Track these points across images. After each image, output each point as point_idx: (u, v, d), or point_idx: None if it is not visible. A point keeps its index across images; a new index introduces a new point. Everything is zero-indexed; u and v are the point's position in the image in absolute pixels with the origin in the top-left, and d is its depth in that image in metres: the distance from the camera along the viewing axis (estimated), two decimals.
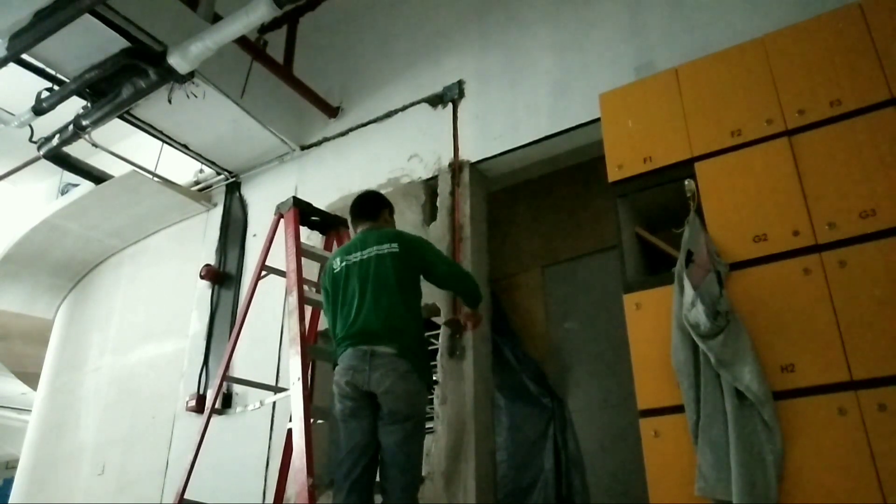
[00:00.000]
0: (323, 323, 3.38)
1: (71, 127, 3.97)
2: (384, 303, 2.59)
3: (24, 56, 3.66)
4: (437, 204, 3.61)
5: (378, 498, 2.53)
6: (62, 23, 3.21)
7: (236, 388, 3.91)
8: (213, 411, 3.21)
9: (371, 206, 2.98)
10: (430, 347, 4.17)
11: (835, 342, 2.04)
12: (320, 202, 3.90)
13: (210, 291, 4.46)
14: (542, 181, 4.39)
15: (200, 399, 4.05)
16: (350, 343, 2.57)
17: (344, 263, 2.74)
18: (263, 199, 4.48)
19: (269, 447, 3.62)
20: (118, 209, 4.93)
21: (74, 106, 3.89)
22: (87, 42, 3.49)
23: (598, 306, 4.06)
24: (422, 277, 2.79)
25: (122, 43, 3.50)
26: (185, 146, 4.43)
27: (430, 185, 3.72)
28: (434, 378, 3.22)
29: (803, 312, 2.12)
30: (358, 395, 2.51)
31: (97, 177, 4.80)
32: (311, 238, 3.71)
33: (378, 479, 2.53)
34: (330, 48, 4.77)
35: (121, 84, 3.65)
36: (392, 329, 2.55)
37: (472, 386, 3.07)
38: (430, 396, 2.66)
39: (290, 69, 4.35)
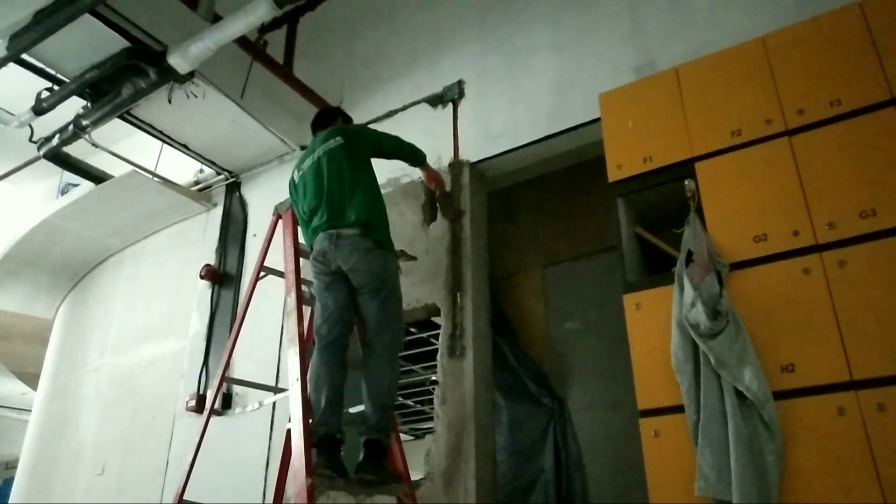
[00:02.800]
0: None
1: (71, 127, 3.97)
2: (342, 190, 2.78)
3: (24, 56, 3.65)
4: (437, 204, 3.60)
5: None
6: (62, 23, 3.21)
7: (236, 388, 3.91)
8: (213, 412, 3.20)
9: (325, 118, 3.21)
10: (430, 347, 4.20)
11: (835, 342, 2.04)
12: None
13: (210, 291, 4.46)
14: (542, 181, 4.39)
15: (200, 399, 4.05)
16: (320, 229, 2.76)
17: (300, 172, 2.96)
18: (263, 199, 4.48)
19: (269, 447, 3.62)
20: (118, 209, 4.93)
21: (74, 106, 3.89)
22: (87, 42, 3.49)
23: (598, 306, 4.06)
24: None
25: (122, 43, 3.50)
26: (185, 146, 4.43)
27: None
28: (434, 378, 3.23)
29: (803, 312, 2.12)
30: (329, 271, 2.70)
31: (97, 177, 4.80)
32: None
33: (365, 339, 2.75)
34: (330, 48, 4.77)
35: (121, 84, 3.65)
36: (352, 210, 2.73)
37: (472, 386, 3.07)
38: (397, 261, 2.87)
39: (290, 69, 4.35)
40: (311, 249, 2.84)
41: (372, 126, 4.16)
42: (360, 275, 2.68)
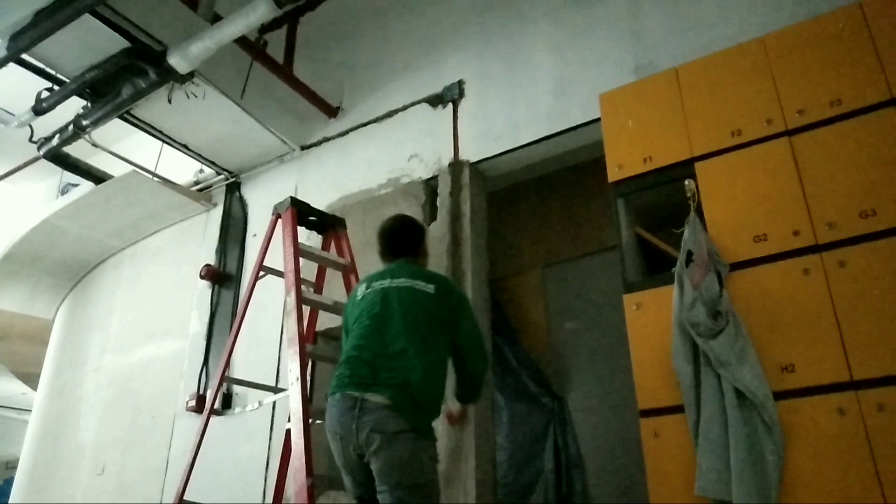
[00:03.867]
0: (322, 323, 3.38)
1: (71, 127, 3.97)
2: (398, 342, 2.21)
3: (24, 56, 3.65)
4: (437, 204, 3.60)
5: None
6: (62, 23, 3.21)
7: (236, 388, 3.91)
8: (213, 412, 3.21)
9: (410, 239, 2.60)
10: None
11: (835, 342, 2.04)
12: (320, 202, 3.90)
13: (210, 291, 4.46)
14: (542, 181, 4.40)
15: (200, 399, 4.05)
16: (342, 383, 2.19)
17: (369, 290, 2.41)
18: (263, 199, 4.48)
19: (269, 447, 3.62)
20: (118, 209, 4.93)
21: (74, 106, 3.89)
22: (87, 42, 3.49)
23: (598, 306, 4.06)
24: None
25: (122, 43, 3.50)
26: (185, 146, 4.43)
27: (431, 185, 3.72)
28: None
29: (803, 312, 2.12)
30: (353, 455, 2.14)
31: (97, 177, 4.80)
32: (311, 238, 3.71)
33: None
34: (330, 48, 4.77)
35: (121, 84, 3.65)
36: (394, 372, 2.15)
37: None
38: (435, 451, 2.21)
39: (290, 69, 4.35)
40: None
41: (372, 126, 4.19)
42: (378, 462, 2.07)
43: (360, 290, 2.46)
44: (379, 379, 2.14)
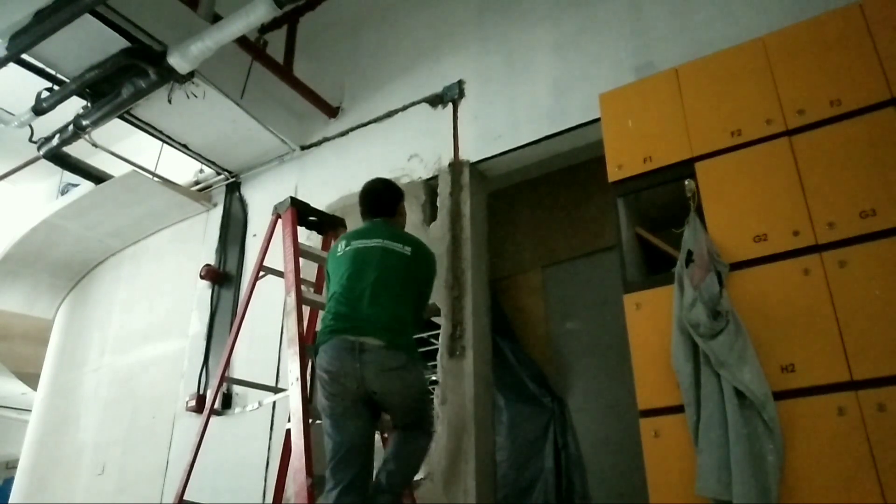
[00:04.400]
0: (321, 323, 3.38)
1: (71, 127, 3.97)
2: (384, 295, 2.49)
3: (24, 56, 3.65)
4: (437, 204, 3.61)
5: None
6: (62, 23, 3.21)
7: (237, 388, 3.91)
8: (213, 412, 3.21)
9: (387, 201, 2.85)
10: (430, 347, 4.20)
11: (835, 342, 2.04)
12: (320, 202, 3.90)
13: (210, 291, 4.46)
14: (542, 181, 4.40)
15: (200, 399, 4.05)
16: (337, 329, 2.42)
17: (349, 247, 2.65)
18: (263, 199, 4.48)
19: (269, 447, 3.62)
20: (118, 209, 4.93)
21: (74, 106, 3.89)
22: (87, 42, 3.49)
23: (598, 306, 4.06)
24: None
25: (122, 43, 3.50)
26: (185, 146, 4.43)
27: (431, 185, 3.72)
28: (434, 378, 3.22)
29: (803, 312, 2.12)
30: (347, 395, 2.36)
31: (97, 177, 4.80)
32: (311, 238, 3.71)
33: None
34: (330, 48, 4.77)
35: (121, 84, 3.65)
36: (385, 318, 2.44)
37: (472, 386, 3.07)
38: (428, 385, 2.61)
39: (290, 69, 4.35)
40: (324, 332, 2.49)
41: (372, 126, 4.19)
42: (389, 397, 2.40)
43: (341, 247, 2.69)
44: (370, 327, 2.40)
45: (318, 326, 3.22)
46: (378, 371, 2.35)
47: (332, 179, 4.18)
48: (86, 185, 4.92)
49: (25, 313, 6.16)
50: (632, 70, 3.26)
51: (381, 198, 2.86)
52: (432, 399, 2.61)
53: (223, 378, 3.20)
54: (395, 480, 2.42)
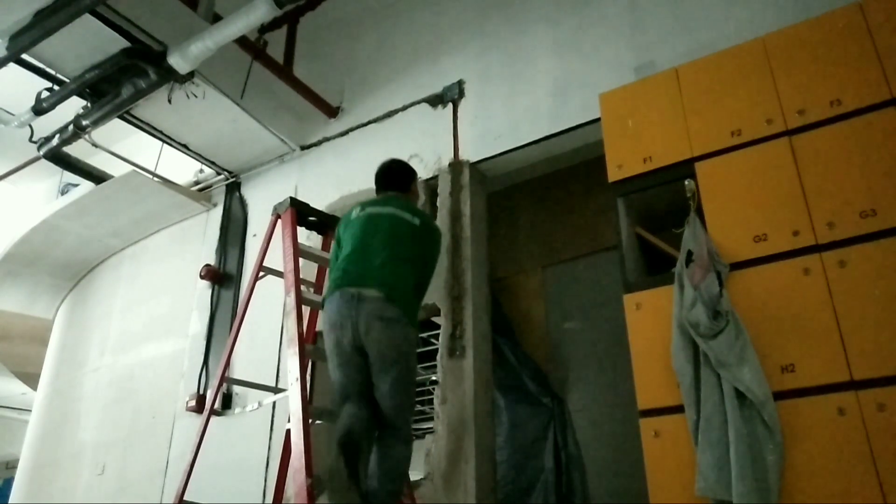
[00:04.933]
0: (321, 324, 3.38)
1: (71, 127, 3.97)
2: (389, 257, 2.61)
3: (24, 56, 3.65)
4: (437, 204, 3.61)
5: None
6: (62, 23, 3.21)
7: (237, 388, 3.90)
8: (213, 412, 3.20)
9: (401, 177, 3.01)
10: (430, 347, 4.20)
11: (835, 342, 2.04)
12: (320, 202, 3.90)
13: (210, 291, 4.46)
14: (542, 181, 4.40)
15: (200, 399, 4.05)
16: (339, 283, 2.56)
17: (363, 212, 2.80)
18: (263, 199, 4.48)
19: (269, 447, 3.62)
20: (118, 209, 4.93)
21: (74, 106, 3.89)
22: (87, 42, 3.49)
23: (598, 306, 4.06)
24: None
25: (122, 43, 3.50)
26: (185, 146, 4.43)
27: (431, 185, 3.72)
28: (434, 378, 3.22)
29: (803, 312, 2.12)
30: (346, 345, 2.49)
31: (97, 177, 4.80)
32: (311, 239, 3.71)
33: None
34: (330, 48, 4.77)
35: (121, 84, 3.65)
36: (385, 275, 2.55)
37: (472, 386, 3.07)
38: (418, 336, 2.71)
39: (290, 69, 4.35)
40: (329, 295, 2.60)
41: (372, 126, 4.19)
42: (377, 346, 2.47)
43: (355, 213, 2.84)
44: (371, 280, 2.53)
45: (319, 327, 3.26)
46: (370, 318, 2.45)
47: (332, 179, 4.18)
48: (86, 185, 4.92)
49: (25, 313, 6.16)
50: (632, 70, 3.25)
51: (395, 173, 3.02)
52: (415, 403, 2.69)
53: (223, 378, 3.20)
54: (382, 497, 2.42)
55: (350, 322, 2.47)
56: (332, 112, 4.43)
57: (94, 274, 5.63)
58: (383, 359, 2.47)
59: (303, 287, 3.07)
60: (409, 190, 3.03)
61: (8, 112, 4.10)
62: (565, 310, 4.28)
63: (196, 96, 3.92)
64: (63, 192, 6.28)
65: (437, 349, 3.28)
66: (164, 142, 4.44)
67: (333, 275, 2.67)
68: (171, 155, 4.99)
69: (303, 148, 4.49)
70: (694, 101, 2.61)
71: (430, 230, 2.86)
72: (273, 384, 3.63)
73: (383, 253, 2.61)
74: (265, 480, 3.54)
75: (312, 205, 3.49)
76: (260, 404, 3.29)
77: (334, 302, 2.54)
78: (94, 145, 4.28)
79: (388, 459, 2.47)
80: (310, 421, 2.57)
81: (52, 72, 3.80)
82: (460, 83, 3.91)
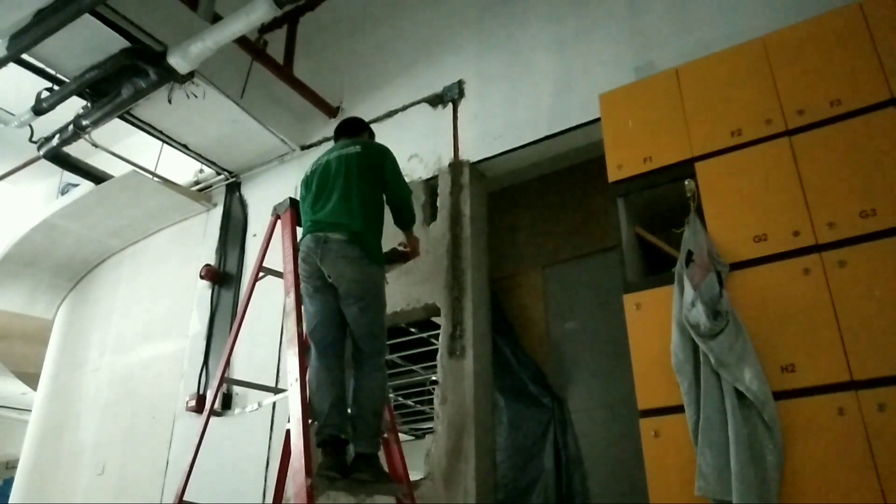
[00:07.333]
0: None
1: (71, 127, 3.97)
2: (343, 195, 2.80)
3: (24, 56, 3.66)
4: (437, 204, 3.61)
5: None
6: (62, 23, 3.21)
7: (237, 388, 3.91)
8: (213, 412, 3.20)
9: (353, 126, 3.22)
10: (430, 347, 4.20)
11: (835, 342, 2.04)
12: None
13: (210, 291, 4.46)
14: (542, 181, 4.39)
15: (200, 399, 4.05)
16: (309, 229, 2.80)
17: (313, 168, 3.01)
18: (263, 199, 4.48)
19: (269, 448, 3.62)
20: (118, 209, 4.94)
21: (74, 106, 3.89)
22: (87, 42, 3.49)
23: (598, 306, 4.05)
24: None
25: (122, 43, 3.51)
26: (185, 146, 4.44)
27: (431, 185, 3.72)
28: (434, 378, 3.22)
29: (803, 312, 2.12)
30: (317, 276, 2.71)
31: (97, 177, 4.81)
32: None
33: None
34: (330, 48, 4.77)
35: (121, 84, 3.65)
36: (346, 217, 2.74)
37: (472, 386, 3.07)
38: (384, 274, 2.85)
39: (290, 69, 4.35)
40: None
41: (372, 126, 4.17)
42: (344, 282, 2.66)
43: (309, 171, 3.05)
44: (331, 226, 2.74)
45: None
46: (335, 257, 2.68)
47: None
48: (86, 185, 4.92)
49: (25, 313, 6.16)
50: (632, 70, 3.25)
51: (347, 124, 3.24)
52: (385, 329, 2.80)
53: (223, 378, 3.19)
54: (363, 427, 2.60)
55: (317, 259, 2.69)
56: (332, 112, 4.44)
57: (94, 274, 5.64)
58: (349, 294, 2.67)
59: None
60: (358, 135, 3.18)
61: (8, 112, 4.10)
62: (565, 310, 4.27)
63: (196, 96, 3.92)
64: (63, 192, 6.28)
65: (437, 349, 3.28)
66: (164, 142, 4.44)
67: (305, 223, 2.90)
68: (171, 155, 4.99)
69: (303, 148, 4.49)
70: (694, 101, 2.61)
71: (372, 149, 2.98)
72: (273, 384, 3.64)
73: (338, 197, 2.81)
74: (265, 480, 3.54)
75: None
76: (260, 405, 3.29)
77: (305, 244, 2.79)
78: (94, 145, 4.28)
79: (364, 390, 2.65)
80: (310, 421, 2.57)
81: (52, 72, 3.81)
82: (460, 83, 3.91)
